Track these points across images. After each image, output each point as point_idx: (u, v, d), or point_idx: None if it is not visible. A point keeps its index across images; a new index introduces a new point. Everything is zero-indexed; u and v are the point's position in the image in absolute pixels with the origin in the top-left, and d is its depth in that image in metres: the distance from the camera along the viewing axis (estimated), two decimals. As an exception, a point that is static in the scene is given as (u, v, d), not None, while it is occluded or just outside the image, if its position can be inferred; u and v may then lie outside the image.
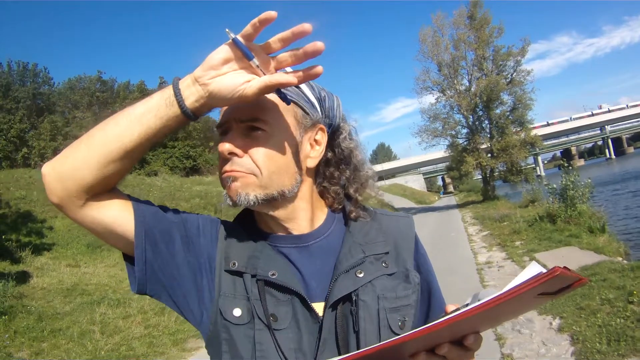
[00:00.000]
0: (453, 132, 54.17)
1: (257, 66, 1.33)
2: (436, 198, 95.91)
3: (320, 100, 1.62)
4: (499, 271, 14.55)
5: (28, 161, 37.05)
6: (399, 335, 1.27)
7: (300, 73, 1.33)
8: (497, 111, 51.64)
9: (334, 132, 1.69)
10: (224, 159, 1.49)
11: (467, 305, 1.15)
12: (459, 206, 56.04)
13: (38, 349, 9.79)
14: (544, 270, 1.02)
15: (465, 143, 53.65)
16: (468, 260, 17.13)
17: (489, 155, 51.57)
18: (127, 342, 10.38)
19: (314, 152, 1.60)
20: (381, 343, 1.14)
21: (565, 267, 1.01)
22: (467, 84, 53.50)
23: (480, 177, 57.98)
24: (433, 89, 54.12)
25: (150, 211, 1.50)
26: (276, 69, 1.38)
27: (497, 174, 53.56)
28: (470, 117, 52.77)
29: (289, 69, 1.41)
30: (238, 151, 1.47)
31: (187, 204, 28.76)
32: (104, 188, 1.41)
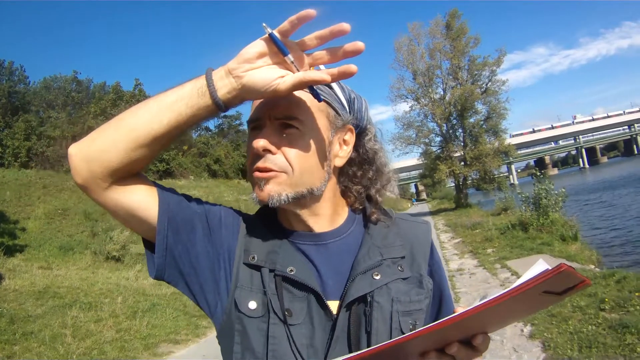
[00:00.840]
0: (427, 140, 54.63)
1: (292, 62, 1.34)
2: (409, 205, 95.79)
3: (350, 102, 1.63)
4: (470, 278, 14.60)
5: (1, 160, 36.65)
6: None
7: (335, 71, 1.33)
8: (471, 120, 52.21)
9: (360, 133, 1.70)
10: (257, 155, 1.49)
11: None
12: (432, 213, 56.30)
13: (10, 352, 9.62)
14: (550, 267, 1.02)
15: (438, 151, 54.12)
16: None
17: (462, 163, 51.94)
18: (98, 346, 10.24)
19: (342, 151, 1.63)
20: (392, 340, 1.14)
21: (570, 266, 1.01)
22: (442, 93, 54.13)
23: (453, 184, 58.20)
24: (407, 97, 54.66)
25: (174, 199, 1.53)
26: (310, 66, 1.39)
27: (470, 181, 53.90)
28: (444, 125, 53.21)
29: (321, 67, 1.43)
30: (272, 148, 1.47)
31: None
32: (130, 172, 1.43)
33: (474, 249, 20.56)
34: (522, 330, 8.70)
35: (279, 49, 1.32)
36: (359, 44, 1.31)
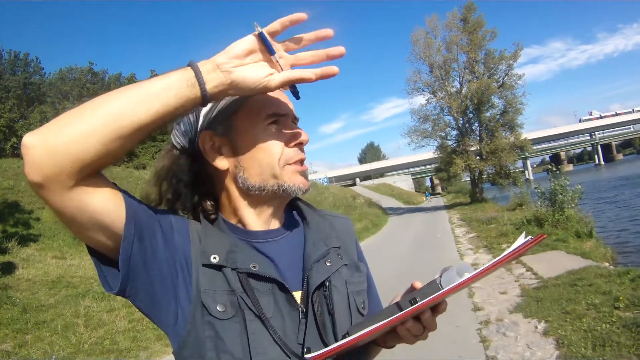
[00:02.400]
0: (442, 134, 54.51)
1: (277, 61, 1.40)
2: (423, 199, 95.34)
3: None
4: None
5: (17, 151, 36.84)
6: (362, 314, 1.65)
7: (318, 71, 1.43)
8: (487, 114, 51.93)
9: None
10: (300, 146, 1.66)
11: (439, 278, 1.35)
12: (447, 207, 56.27)
13: (22, 340, 9.71)
14: (531, 238, 1.23)
15: (454, 145, 53.97)
16: (454, 262, 16.69)
17: (478, 157, 51.80)
18: (111, 336, 10.31)
19: None
20: (402, 312, 1.34)
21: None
22: (458, 86, 53.90)
23: (469, 179, 58.14)
24: (424, 90, 54.52)
25: (136, 201, 1.45)
26: (292, 66, 1.45)
27: (485, 176, 53.84)
28: (460, 119, 53.03)
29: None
30: None
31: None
32: (100, 167, 1.30)
33: (489, 244, 20.48)
34: (536, 327, 8.68)
35: (266, 48, 1.38)
36: (341, 49, 1.43)
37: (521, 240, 1.26)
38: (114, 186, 1.39)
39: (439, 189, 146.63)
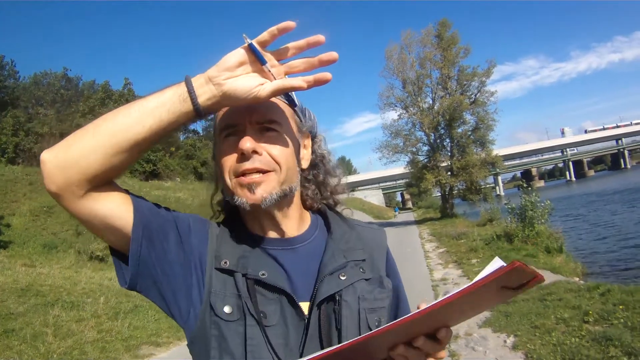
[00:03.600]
0: (414, 149, 54.71)
1: (269, 71, 1.41)
2: (393, 215, 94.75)
3: (303, 111, 1.74)
4: (454, 287, 14.44)
5: (-12, 155, 36.61)
6: None
7: (311, 78, 1.42)
8: (459, 130, 52.21)
9: (312, 140, 1.82)
10: (242, 157, 1.53)
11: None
12: (417, 222, 56.38)
13: (-10, 349, 9.64)
14: (505, 264, 1.12)
15: (425, 160, 54.19)
16: (424, 277, 17.13)
17: (449, 173, 52.08)
18: (79, 346, 10.24)
19: (306, 154, 1.75)
20: (362, 335, 1.23)
21: (522, 262, 1.09)
22: (431, 102, 54.20)
23: (440, 194, 58.38)
24: (396, 106, 54.73)
25: (147, 206, 1.54)
26: (286, 74, 1.46)
27: (456, 192, 54.00)
28: (432, 135, 53.27)
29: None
30: (259, 148, 1.52)
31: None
32: (107, 179, 1.43)
33: (459, 259, 20.61)
34: (505, 341, 8.71)
35: (257, 58, 1.40)
36: (334, 54, 1.42)
37: (496, 264, 1.18)
38: (126, 193, 1.52)
39: (409, 204, 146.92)
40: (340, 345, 1.27)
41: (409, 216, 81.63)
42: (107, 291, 14.58)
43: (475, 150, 51.36)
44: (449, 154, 53.18)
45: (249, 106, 1.53)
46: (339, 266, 1.61)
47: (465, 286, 1.14)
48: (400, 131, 54.47)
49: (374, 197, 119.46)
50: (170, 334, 11.56)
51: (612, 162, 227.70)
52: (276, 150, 1.55)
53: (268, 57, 1.41)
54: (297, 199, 1.72)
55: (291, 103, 1.62)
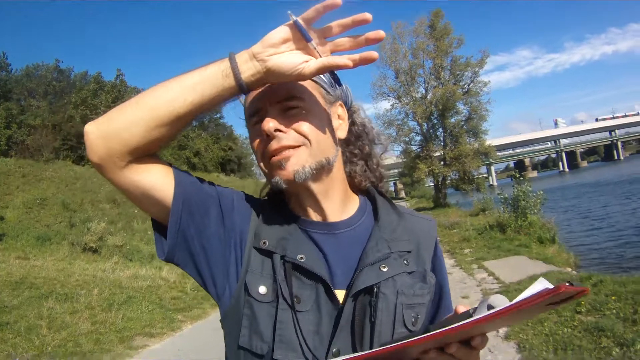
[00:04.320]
0: (407, 139, 54.70)
1: (314, 48, 1.39)
2: None
3: (334, 82, 1.66)
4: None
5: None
6: (410, 330, 1.52)
7: (357, 57, 1.39)
8: (452, 120, 52.25)
9: (348, 110, 1.78)
10: (268, 139, 1.52)
11: (475, 308, 1.23)
12: (410, 212, 56.30)
13: (-15, 342, 9.63)
14: (550, 287, 1.08)
15: (418, 150, 54.21)
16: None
17: (442, 163, 52.02)
18: (74, 338, 10.21)
19: (341, 125, 1.70)
20: (398, 343, 1.21)
21: (570, 283, 1.07)
22: (424, 92, 54.11)
23: (432, 184, 58.36)
24: (389, 95, 54.60)
25: (189, 180, 1.56)
26: (331, 52, 1.44)
27: (449, 181, 54.01)
28: (425, 124, 53.23)
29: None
30: (282, 127, 1.52)
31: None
32: (148, 151, 1.45)
33: (452, 249, 20.66)
34: (497, 331, 8.68)
35: (302, 36, 1.38)
36: (381, 33, 1.39)
37: (540, 285, 1.14)
38: (169, 166, 1.54)
39: (402, 194, 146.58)
40: (377, 349, 1.27)
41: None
42: (100, 283, 14.55)
43: (468, 140, 51.38)
44: (442, 143, 53.19)
45: (268, 89, 1.54)
46: (382, 257, 1.57)
47: (510, 304, 1.12)
48: (393, 121, 54.46)
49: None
50: (164, 324, 11.60)
51: (605, 153, 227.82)
52: (302, 124, 1.53)
53: (313, 34, 1.40)
54: (340, 179, 1.70)
55: (337, 82, 1.58)
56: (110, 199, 27.97)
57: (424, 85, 54.40)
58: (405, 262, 1.62)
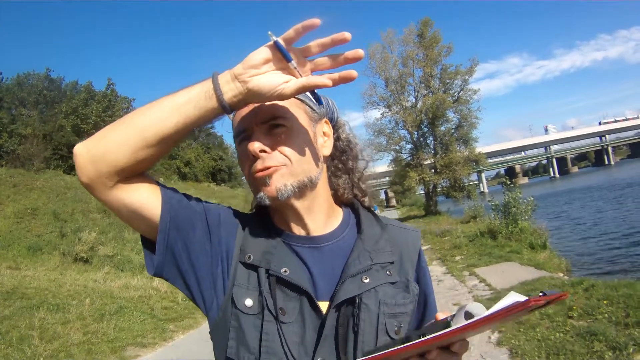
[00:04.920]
0: (397, 147, 54.86)
1: (295, 68, 1.42)
2: (378, 212, 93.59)
3: (319, 99, 1.70)
4: (438, 285, 14.59)
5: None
6: (394, 338, 1.54)
7: (336, 76, 1.43)
8: (442, 128, 52.50)
9: (333, 127, 1.83)
10: (254, 159, 1.57)
11: (454, 316, 1.27)
12: (401, 220, 55.81)
13: (-24, 353, 9.60)
14: (522, 299, 1.12)
15: (409, 158, 54.33)
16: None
17: (432, 171, 52.14)
18: (65, 349, 10.17)
19: (325, 142, 1.74)
20: (378, 354, 1.27)
21: (543, 293, 1.13)
22: (414, 101, 54.32)
23: (423, 192, 58.46)
24: (379, 104, 54.73)
25: (176, 198, 1.59)
26: (312, 71, 1.47)
27: (440, 189, 54.16)
28: (415, 133, 53.44)
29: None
30: (267, 148, 1.56)
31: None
32: (136, 171, 1.48)
33: (443, 256, 20.64)
34: (489, 337, 8.71)
35: (283, 56, 1.40)
36: (360, 52, 1.42)
37: (512, 298, 1.17)
38: (156, 183, 1.58)
39: (393, 202, 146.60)
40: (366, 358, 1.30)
41: (393, 214, 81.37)
42: (92, 293, 14.49)
43: (458, 148, 51.60)
44: (433, 151, 53.39)
45: (254, 109, 1.58)
46: (363, 268, 1.61)
47: (486, 314, 1.16)
48: (384, 130, 54.61)
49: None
50: (155, 334, 11.55)
51: (595, 158, 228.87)
52: (285, 145, 1.57)
53: (293, 54, 1.42)
54: (324, 193, 1.73)
55: (317, 100, 1.64)
56: (101, 209, 27.83)
57: (414, 93, 54.66)
58: (388, 272, 1.66)
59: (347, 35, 1.38)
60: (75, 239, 20.55)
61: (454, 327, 1.20)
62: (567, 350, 7.29)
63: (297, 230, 1.68)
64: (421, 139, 54.08)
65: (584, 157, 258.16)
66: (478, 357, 7.99)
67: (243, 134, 1.62)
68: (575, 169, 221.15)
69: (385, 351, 1.26)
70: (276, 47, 1.39)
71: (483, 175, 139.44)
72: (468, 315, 1.22)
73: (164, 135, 1.42)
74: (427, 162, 52.75)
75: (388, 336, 1.56)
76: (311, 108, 1.69)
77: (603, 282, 10.91)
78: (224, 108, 1.42)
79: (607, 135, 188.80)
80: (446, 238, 26.76)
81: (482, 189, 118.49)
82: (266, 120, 1.58)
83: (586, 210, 40.54)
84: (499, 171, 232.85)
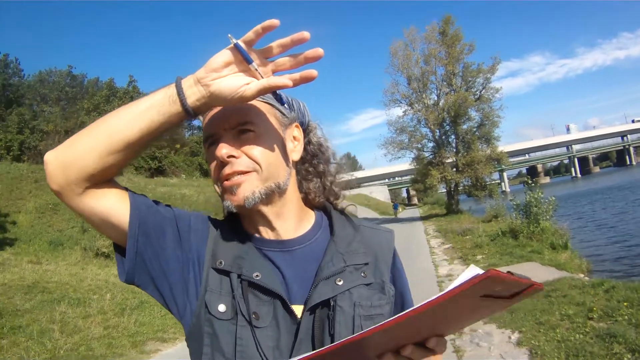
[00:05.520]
0: (419, 145, 54.59)
1: (256, 69, 1.42)
2: (399, 210, 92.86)
3: (289, 103, 1.73)
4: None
5: (-6, 153, 36.52)
6: None
7: (297, 76, 1.43)
8: (464, 127, 52.12)
9: (304, 130, 1.81)
10: (222, 164, 1.56)
11: None
12: (423, 219, 56.29)
13: (-3, 345, 9.67)
14: (480, 272, 1.03)
15: (430, 157, 54.08)
16: (429, 273, 17.12)
17: (454, 169, 51.92)
18: (86, 342, 10.29)
19: (295, 146, 1.72)
20: (344, 339, 1.19)
21: (509, 273, 1.05)
22: (436, 99, 54.00)
23: (445, 190, 58.25)
24: (401, 102, 54.49)
25: (145, 204, 1.58)
26: (273, 72, 1.47)
27: (461, 188, 53.93)
28: (437, 131, 53.10)
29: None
30: (235, 152, 1.55)
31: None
32: (104, 178, 1.49)
33: (464, 255, 20.56)
34: (509, 337, 8.71)
35: (243, 58, 1.41)
36: (319, 50, 1.42)
37: (471, 272, 1.07)
38: (125, 190, 1.58)
39: (415, 200, 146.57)
40: (320, 350, 1.25)
41: (415, 212, 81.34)
42: (113, 287, 14.61)
43: (480, 147, 51.25)
44: (454, 150, 53.10)
45: (223, 113, 1.59)
46: (337, 270, 1.61)
47: (440, 294, 1.07)
48: (405, 127, 54.39)
49: (380, 193, 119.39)
50: (176, 329, 11.57)
51: (617, 158, 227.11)
52: (254, 150, 1.57)
53: (254, 56, 1.43)
54: (293, 198, 1.73)
55: (279, 101, 1.64)
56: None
57: (436, 91, 54.37)
58: (362, 274, 1.65)
59: (306, 34, 1.39)
60: (97, 234, 20.62)
61: (407, 310, 1.13)
62: (586, 352, 7.25)
63: (267, 234, 1.68)
64: (443, 137, 53.82)
65: (605, 157, 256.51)
66: (498, 357, 7.96)
67: (211, 139, 1.63)
68: (597, 169, 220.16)
69: (353, 335, 1.20)
70: (237, 49, 1.40)
71: (505, 174, 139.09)
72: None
73: (130, 140, 1.43)
74: (449, 160, 52.49)
75: None
76: (281, 112, 1.69)
77: (624, 284, 10.84)
78: (188, 112, 1.43)
79: (628, 135, 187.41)
80: (467, 237, 26.64)
81: (503, 188, 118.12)
82: (235, 126, 1.58)
83: (608, 211, 40.22)
84: (521, 170, 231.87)
